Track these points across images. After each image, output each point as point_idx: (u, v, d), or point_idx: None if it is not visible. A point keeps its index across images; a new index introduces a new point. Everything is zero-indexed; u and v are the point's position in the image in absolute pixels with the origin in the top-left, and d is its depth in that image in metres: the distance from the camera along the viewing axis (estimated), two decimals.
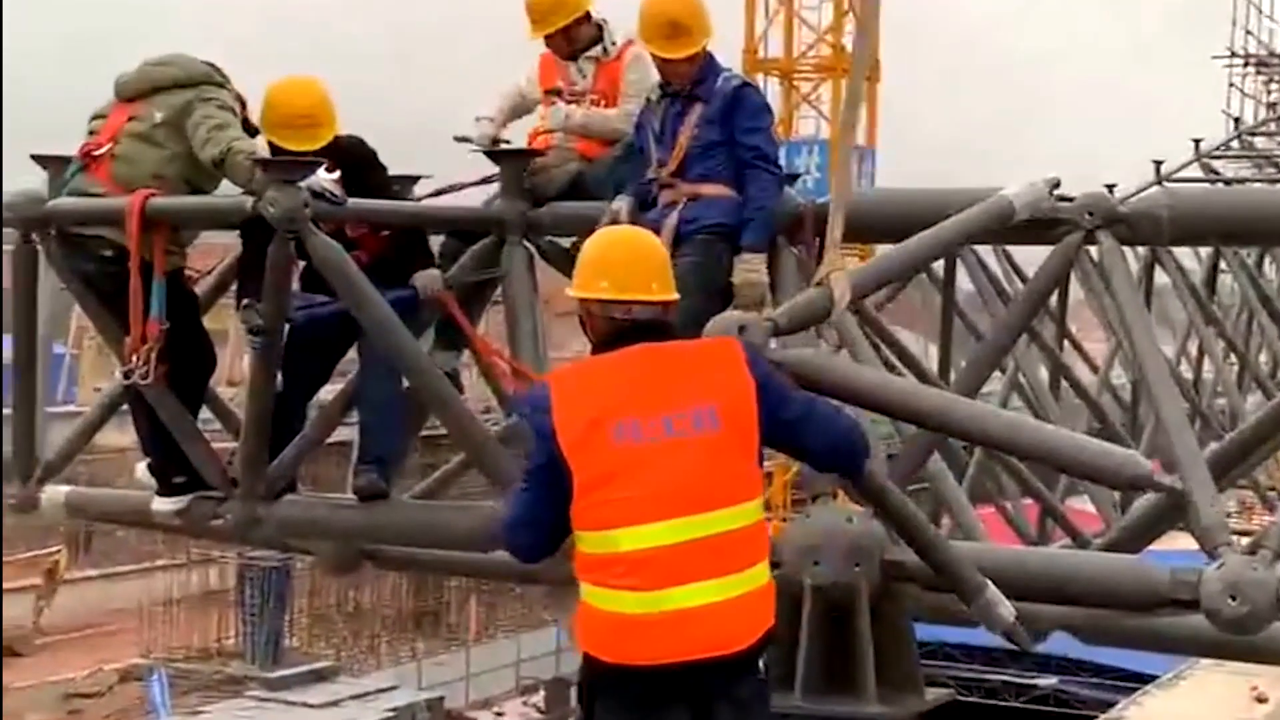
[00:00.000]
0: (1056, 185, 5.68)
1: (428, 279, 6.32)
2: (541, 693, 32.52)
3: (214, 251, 7.08)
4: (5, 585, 35.83)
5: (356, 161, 6.33)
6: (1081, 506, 8.28)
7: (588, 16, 6.82)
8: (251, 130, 6.25)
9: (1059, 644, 6.51)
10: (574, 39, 6.82)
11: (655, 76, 6.45)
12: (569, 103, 6.84)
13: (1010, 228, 5.79)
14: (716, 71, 6.26)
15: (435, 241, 6.74)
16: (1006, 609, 5.39)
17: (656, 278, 4.47)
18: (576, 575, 4.40)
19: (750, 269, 5.97)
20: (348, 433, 6.80)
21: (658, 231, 5.99)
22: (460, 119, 7.02)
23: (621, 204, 6.25)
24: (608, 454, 4.28)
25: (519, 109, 7.07)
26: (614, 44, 6.87)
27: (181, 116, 6.16)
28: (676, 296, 4.54)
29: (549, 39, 6.84)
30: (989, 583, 5.39)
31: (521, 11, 6.83)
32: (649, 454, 4.27)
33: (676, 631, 4.27)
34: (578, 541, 4.38)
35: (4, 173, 6.75)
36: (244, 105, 6.35)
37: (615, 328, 4.45)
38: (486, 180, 6.83)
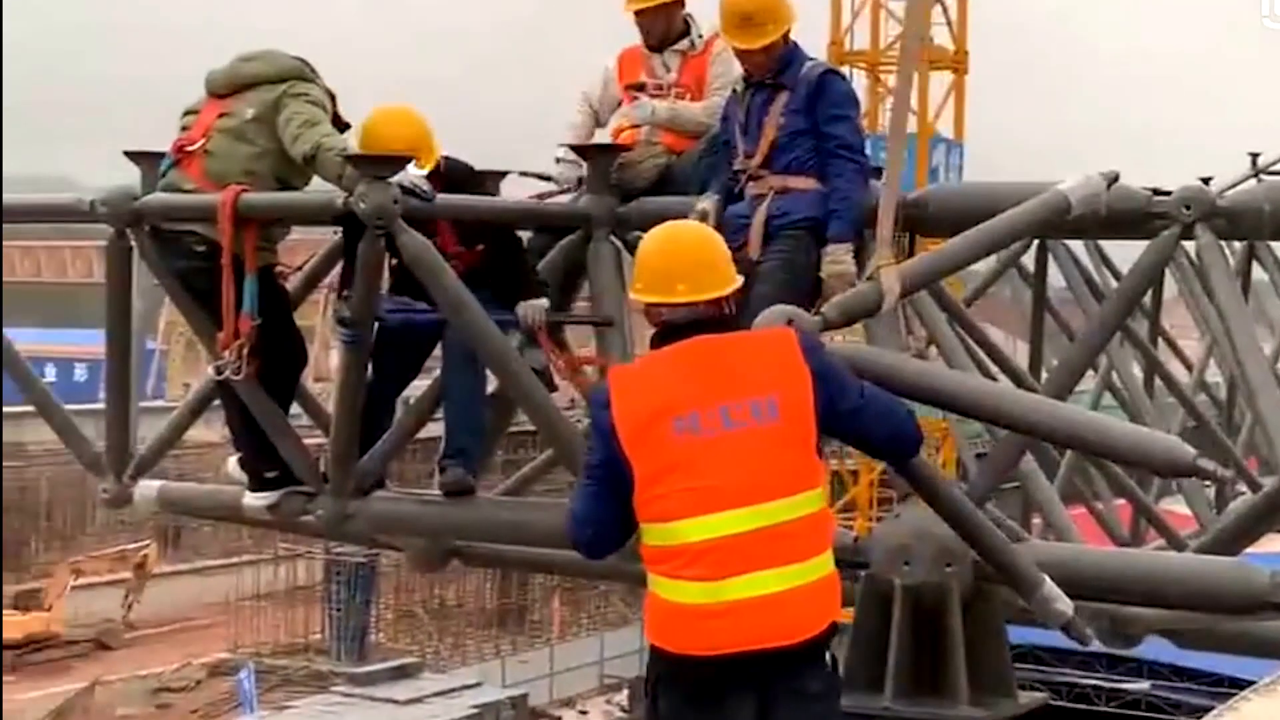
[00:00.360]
0: (1115, 179, 5.58)
1: (532, 310, 6.26)
2: (625, 691, 32.55)
3: (302, 248, 7.12)
4: (96, 580, 36.35)
5: (461, 184, 6.34)
6: (1176, 508, 8.15)
7: (682, 4, 6.80)
8: (342, 126, 6.27)
9: (1152, 648, 6.41)
10: (671, 25, 6.78)
11: (739, 69, 6.41)
12: (653, 96, 6.82)
13: (1105, 222, 5.71)
14: (800, 59, 6.17)
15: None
16: (1064, 604, 5.33)
17: (685, 279, 4.49)
18: (644, 565, 4.45)
19: (836, 261, 5.91)
20: (432, 429, 6.81)
21: (746, 227, 5.96)
22: None
23: (708, 202, 6.20)
24: (668, 447, 4.34)
25: (592, 127, 7.03)
26: (700, 37, 6.83)
27: (272, 113, 6.18)
28: (710, 296, 4.50)
29: (645, 21, 6.78)
30: (1046, 578, 5.34)
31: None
32: (709, 445, 4.33)
33: (739, 621, 4.30)
34: (643, 534, 4.44)
35: (101, 171, 6.82)
36: (335, 99, 6.37)
37: (660, 327, 4.54)
38: (575, 188, 6.79)
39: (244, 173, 6.17)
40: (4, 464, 39.77)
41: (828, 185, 6.02)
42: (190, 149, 6.29)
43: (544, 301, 6.32)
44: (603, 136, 7.03)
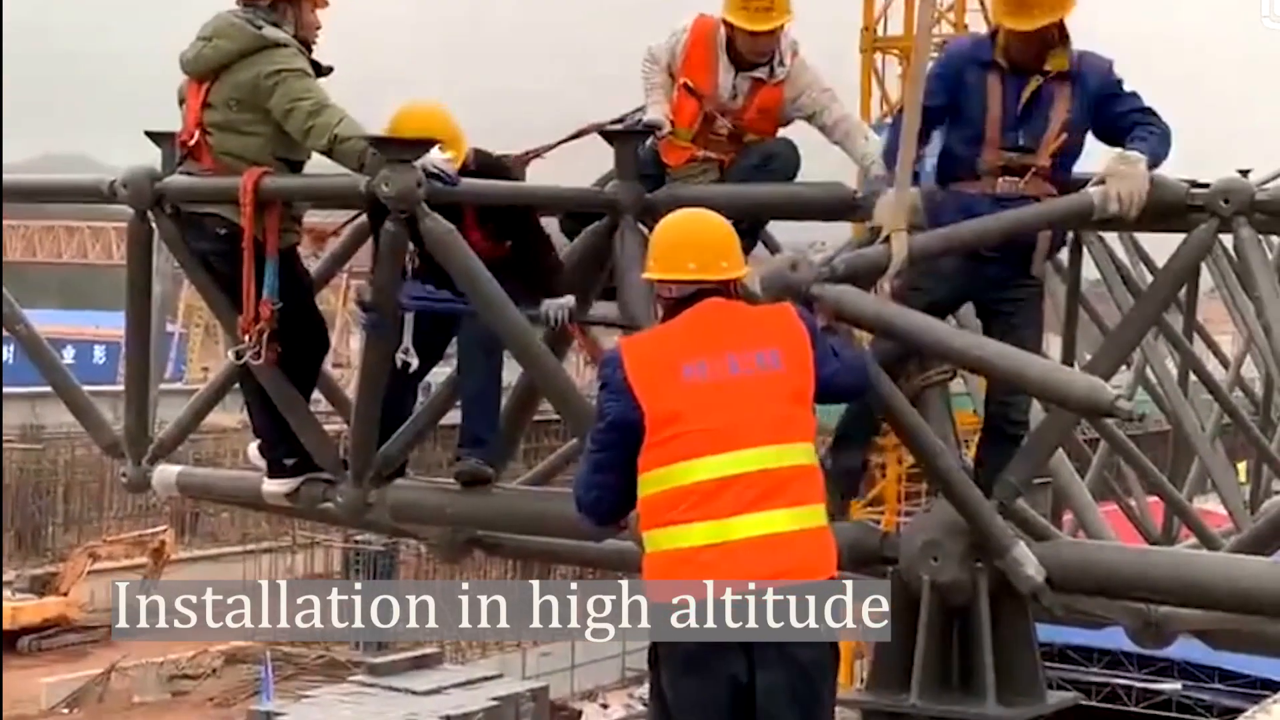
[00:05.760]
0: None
1: (556, 308, 6.19)
2: (647, 685, 32.49)
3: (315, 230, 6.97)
4: (113, 565, 36.38)
5: (490, 175, 6.25)
6: (1210, 507, 8.03)
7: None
8: (322, 70, 6.12)
9: (1184, 648, 6.31)
10: (773, 48, 6.37)
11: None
12: (711, 117, 6.44)
13: (1142, 214, 5.59)
14: (1068, 44, 5.51)
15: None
16: (1035, 569, 5.39)
17: (694, 258, 4.73)
18: (642, 530, 4.58)
19: (1126, 160, 5.37)
20: (454, 415, 6.72)
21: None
22: None
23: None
24: (678, 391, 4.55)
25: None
26: (783, 65, 6.40)
27: (253, 95, 6.03)
28: (717, 277, 4.73)
29: (759, 42, 6.34)
30: (1019, 541, 5.42)
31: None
32: (717, 389, 4.55)
33: (747, 557, 4.41)
34: (644, 486, 4.56)
35: (122, 150, 6.72)
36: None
37: (668, 304, 4.81)
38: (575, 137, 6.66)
39: (248, 162, 6.07)
40: (22, 446, 39.99)
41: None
42: (191, 143, 6.19)
43: (569, 300, 6.26)
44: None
